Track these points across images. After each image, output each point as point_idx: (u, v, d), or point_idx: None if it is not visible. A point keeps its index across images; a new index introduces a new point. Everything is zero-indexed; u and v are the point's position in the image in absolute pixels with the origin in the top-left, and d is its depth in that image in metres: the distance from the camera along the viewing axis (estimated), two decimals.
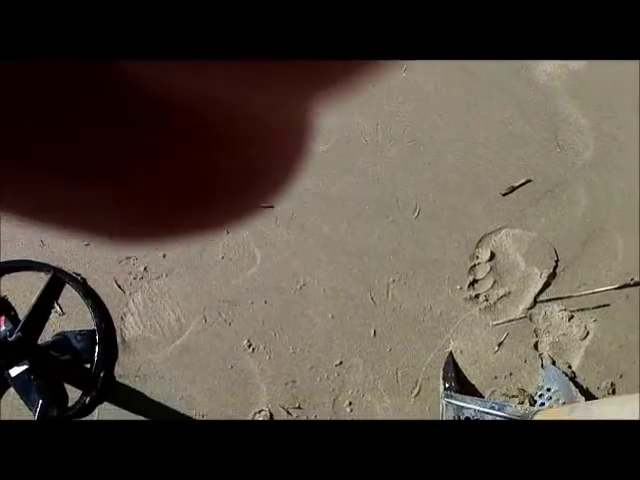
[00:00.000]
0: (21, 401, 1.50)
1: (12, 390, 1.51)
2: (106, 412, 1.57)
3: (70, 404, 1.55)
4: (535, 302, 1.70)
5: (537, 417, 1.35)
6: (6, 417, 1.57)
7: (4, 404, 1.55)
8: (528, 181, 1.85)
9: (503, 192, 1.83)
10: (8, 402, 1.55)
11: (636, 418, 1.01)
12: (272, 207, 1.79)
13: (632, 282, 1.71)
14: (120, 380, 1.61)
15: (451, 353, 1.65)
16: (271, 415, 1.57)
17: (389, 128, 1.93)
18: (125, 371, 1.62)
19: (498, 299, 1.70)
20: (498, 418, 1.45)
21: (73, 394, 1.57)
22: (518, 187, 1.84)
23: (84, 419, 1.55)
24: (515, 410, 1.45)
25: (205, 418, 1.57)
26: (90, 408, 1.57)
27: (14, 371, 1.48)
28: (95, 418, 1.57)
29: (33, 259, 1.71)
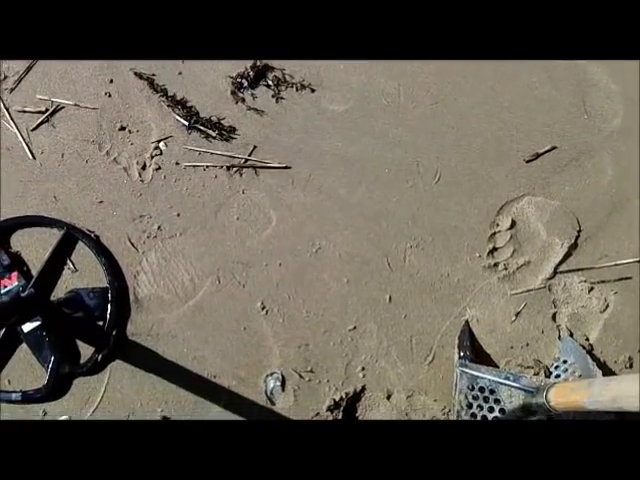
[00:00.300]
0: (34, 357, 1.51)
1: (25, 346, 1.51)
2: (117, 371, 1.57)
3: (82, 361, 1.55)
4: (555, 272, 1.66)
5: (552, 390, 1.33)
6: (19, 374, 1.57)
7: (16, 360, 1.55)
8: (553, 148, 1.80)
9: (527, 159, 1.78)
10: (21, 358, 1.55)
11: None
12: (289, 168, 1.75)
13: None
14: (132, 338, 1.60)
15: (467, 321, 1.63)
16: (283, 378, 1.57)
17: (411, 89, 1.86)
18: (138, 330, 1.61)
19: (517, 268, 1.67)
20: (513, 389, 1.43)
21: (85, 351, 1.56)
22: (543, 154, 1.79)
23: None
24: (530, 381, 1.43)
25: (217, 379, 1.57)
26: (102, 366, 1.57)
27: (27, 327, 1.48)
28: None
29: (46, 215, 1.69)
